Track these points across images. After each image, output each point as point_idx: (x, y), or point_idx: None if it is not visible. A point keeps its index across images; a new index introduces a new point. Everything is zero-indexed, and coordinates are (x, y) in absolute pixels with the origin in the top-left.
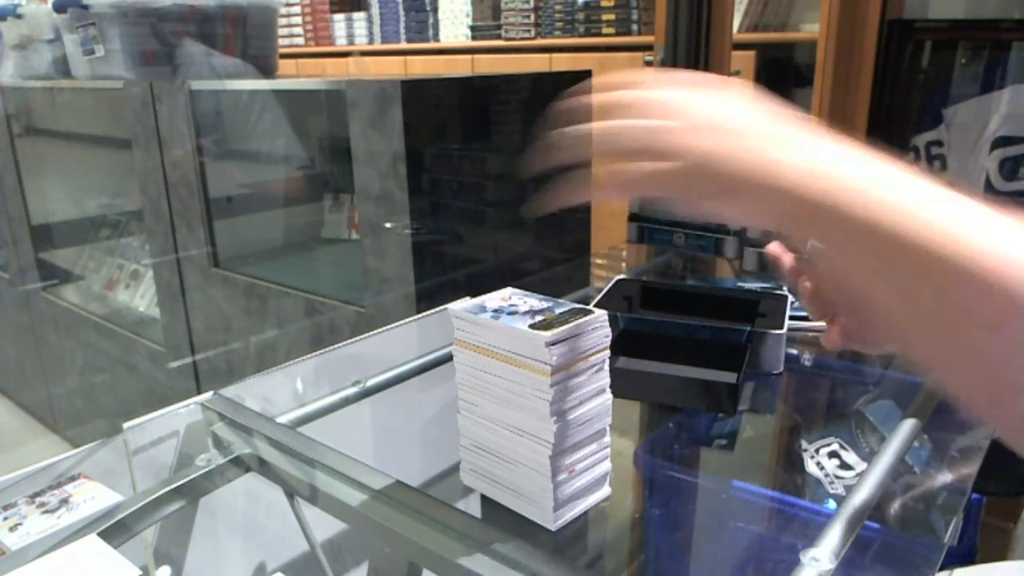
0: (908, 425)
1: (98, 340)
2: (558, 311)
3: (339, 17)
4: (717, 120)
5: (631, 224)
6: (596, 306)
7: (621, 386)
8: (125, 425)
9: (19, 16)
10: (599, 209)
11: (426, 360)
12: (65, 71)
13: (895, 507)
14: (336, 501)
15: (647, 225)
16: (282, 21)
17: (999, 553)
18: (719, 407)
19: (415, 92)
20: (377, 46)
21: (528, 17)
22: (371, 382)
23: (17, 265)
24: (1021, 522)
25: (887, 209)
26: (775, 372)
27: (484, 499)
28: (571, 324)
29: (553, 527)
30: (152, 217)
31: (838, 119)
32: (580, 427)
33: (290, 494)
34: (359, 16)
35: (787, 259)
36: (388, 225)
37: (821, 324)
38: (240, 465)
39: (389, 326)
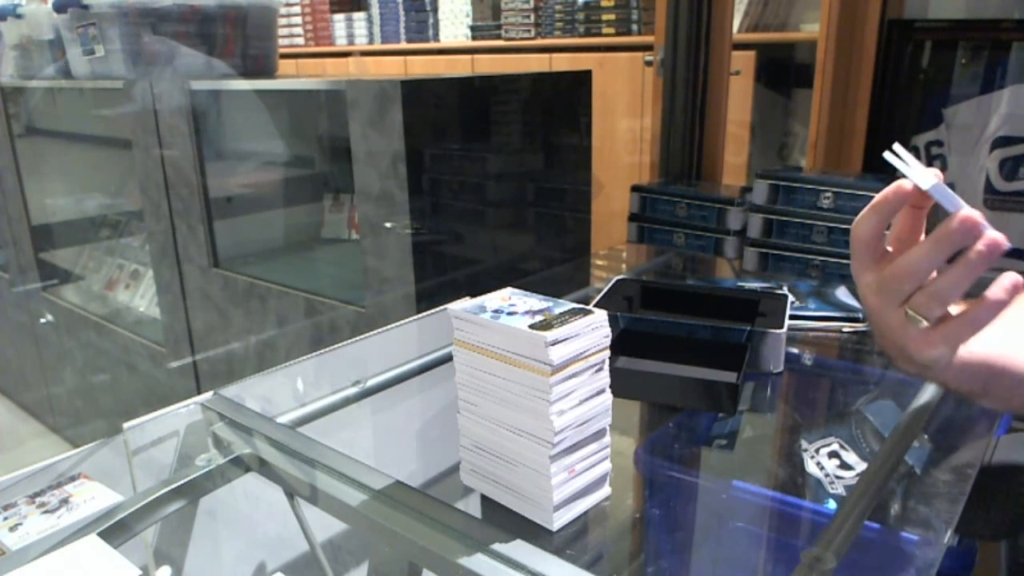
0: (908, 425)
1: (98, 340)
2: (558, 311)
3: (339, 17)
4: None
5: (631, 224)
6: (596, 306)
7: (621, 386)
8: (125, 425)
9: (19, 16)
10: (599, 209)
11: (426, 360)
12: (65, 71)
13: (895, 507)
14: (336, 501)
15: (647, 225)
16: (282, 21)
17: (998, 553)
18: (719, 407)
19: (415, 92)
20: (377, 46)
21: (528, 17)
22: (371, 382)
23: (17, 265)
24: None
25: None
26: (775, 372)
27: (484, 499)
28: (571, 324)
29: (553, 527)
30: (152, 217)
31: (838, 119)
32: (580, 427)
33: (290, 494)
34: (359, 16)
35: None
36: (388, 225)
37: (821, 324)
38: (240, 465)
39: (389, 326)
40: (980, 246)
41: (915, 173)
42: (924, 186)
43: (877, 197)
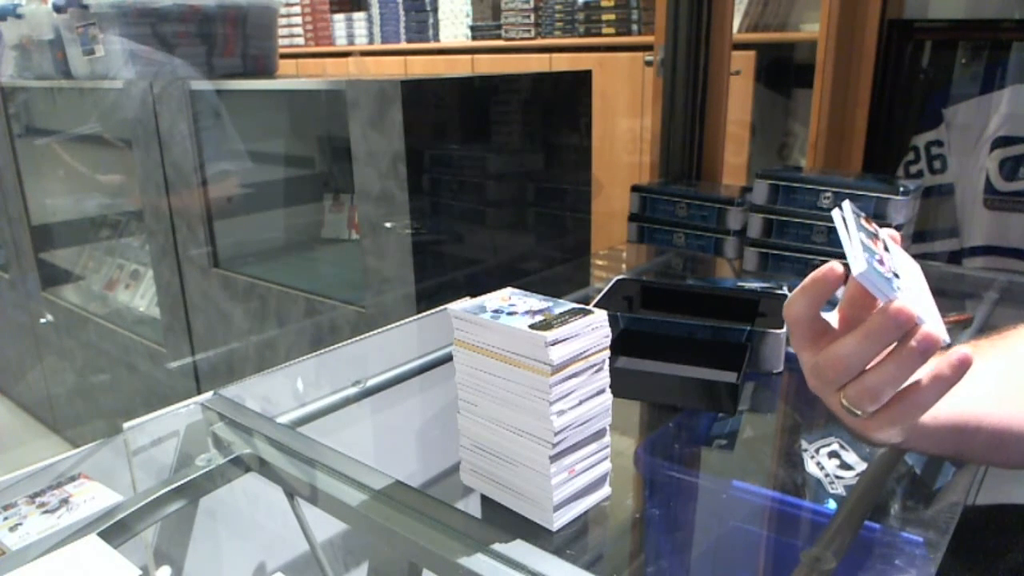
0: None
1: (98, 340)
2: (558, 311)
3: (339, 17)
4: None
5: (631, 224)
6: (596, 306)
7: (621, 386)
8: (125, 425)
9: (19, 16)
10: (599, 209)
11: (426, 360)
12: (65, 71)
13: (895, 507)
14: (336, 501)
15: (647, 225)
16: (282, 21)
17: None
18: (719, 407)
19: (415, 92)
20: (377, 46)
21: (528, 17)
22: (371, 382)
23: (17, 265)
24: None
25: None
26: (775, 372)
27: (484, 499)
28: (571, 324)
29: (553, 527)
30: (152, 217)
31: (838, 119)
32: (580, 427)
33: (290, 494)
34: (359, 16)
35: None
36: (388, 225)
37: None
38: (240, 465)
39: (389, 326)
40: (914, 343)
41: (851, 250)
42: (855, 271)
43: (807, 279)
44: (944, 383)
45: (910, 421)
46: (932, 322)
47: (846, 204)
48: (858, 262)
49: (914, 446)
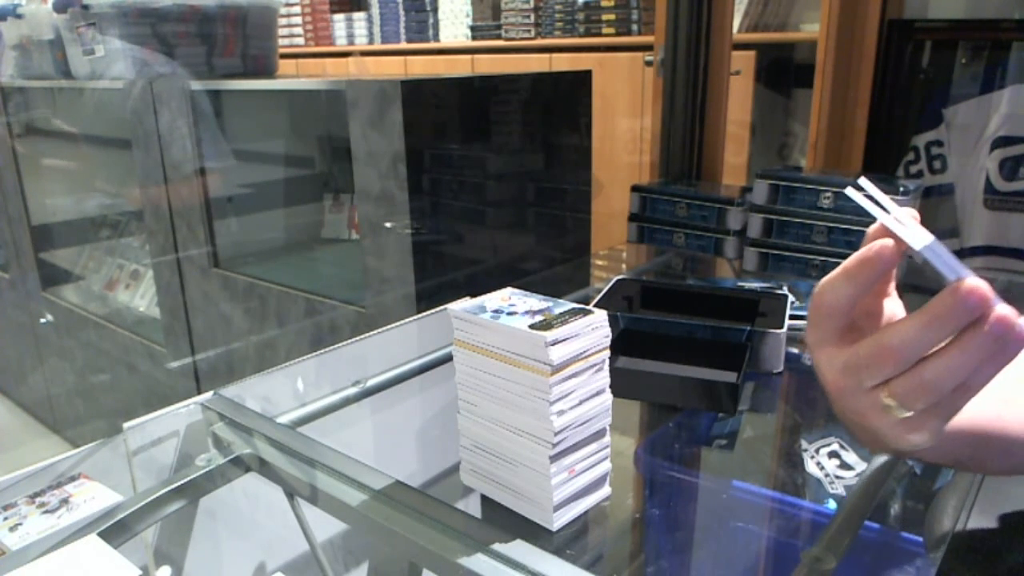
0: None
1: (98, 340)
2: (558, 311)
3: (339, 17)
4: None
5: (631, 224)
6: (596, 306)
7: (621, 386)
8: (125, 425)
9: (19, 16)
10: (599, 209)
11: (426, 360)
12: (65, 71)
13: (895, 507)
14: (336, 501)
15: (647, 225)
16: (282, 21)
17: None
18: (719, 407)
19: (415, 92)
20: (377, 46)
21: (528, 17)
22: (371, 382)
23: (17, 265)
24: None
25: None
26: (775, 372)
27: (484, 499)
28: (571, 324)
29: (553, 527)
30: (152, 217)
31: (838, 119)
32: (580, 427)
33: (290, 494)
34: (359, 16)
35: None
36: (388, 225)
37: None
38: (240, 465)
39: (389, 326)
40: (987, 327)
41: (898, 224)
42: (916, 246)
43: (852, 260)
44: (998, 361)
45: (955, 413)
46: (1002, 305)
47: (864, 180)
48: (920, 234)
49: (931, 456)
